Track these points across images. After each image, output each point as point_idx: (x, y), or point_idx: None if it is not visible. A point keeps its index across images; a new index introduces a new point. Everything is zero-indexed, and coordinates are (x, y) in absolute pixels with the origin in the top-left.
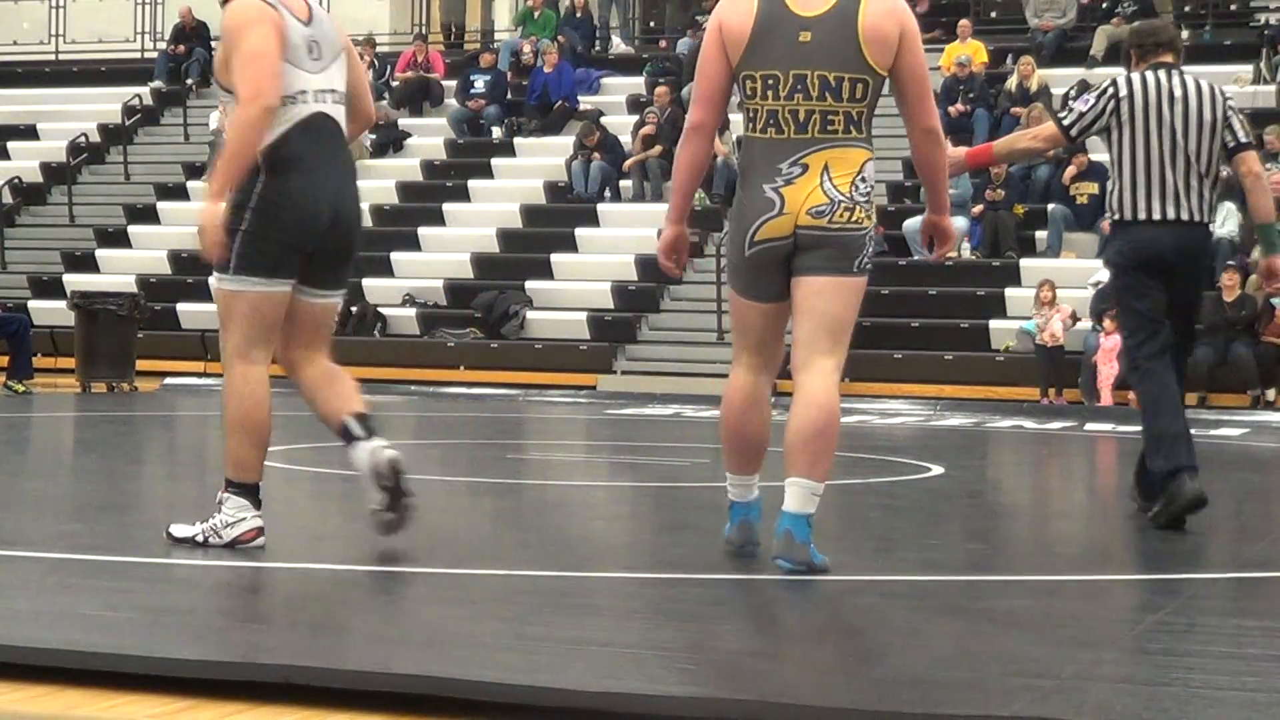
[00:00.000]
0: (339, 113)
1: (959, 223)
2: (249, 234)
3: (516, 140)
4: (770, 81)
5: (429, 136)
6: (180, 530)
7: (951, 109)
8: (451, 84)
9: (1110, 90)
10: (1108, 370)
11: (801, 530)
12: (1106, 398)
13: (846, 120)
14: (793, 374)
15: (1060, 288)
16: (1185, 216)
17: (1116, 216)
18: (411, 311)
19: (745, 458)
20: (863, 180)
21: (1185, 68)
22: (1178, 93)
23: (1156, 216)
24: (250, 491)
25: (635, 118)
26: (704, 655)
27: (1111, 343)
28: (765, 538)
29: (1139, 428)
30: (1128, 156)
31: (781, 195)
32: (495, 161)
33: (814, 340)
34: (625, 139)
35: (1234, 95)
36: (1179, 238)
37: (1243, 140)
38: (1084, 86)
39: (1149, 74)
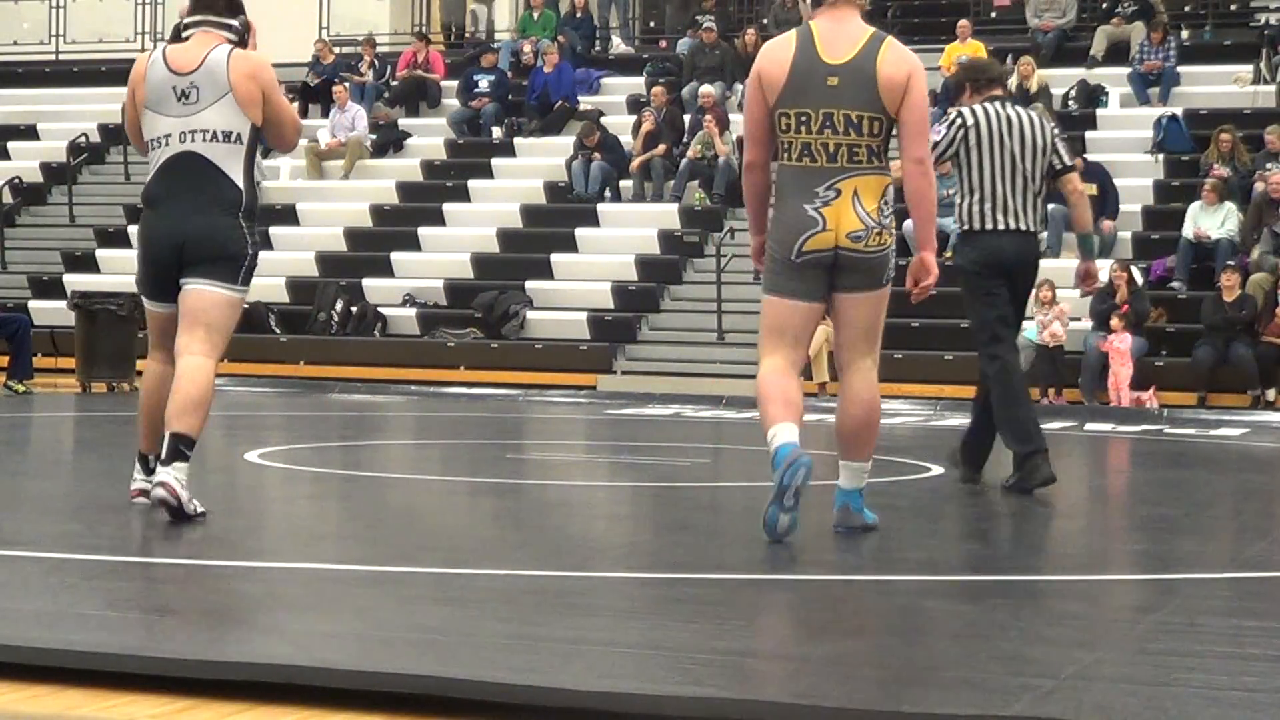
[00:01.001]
0: (210, 149)
1: None
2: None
3: (516, 140)
4: (803, 118)
5: (429, 136)
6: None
7: (951, 109)
8: (450, 84)
9: (959, 120)
10: (1125, 372)
11: (855, 501)
12: (1125, 399)
13: (868, 152)
14: (839, 373)
15: (1060, 288)
16: (1022, 227)
17: (966, 227)
18: (411, 311)
19: (785, 407)
20: (885, 204)
21: (1184, 68)
22: (1014, 121)
23: (1000, 227)
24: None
25: (635, 118)
26: (704, 655)
27: (1125, 343)
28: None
29: (1140, 427)
30: (975, 176)
31: (822, 214)
32: (495, 161)
33: (854, 345)
34: (625, 139)
35: (1234, 95)
36: (1017, 245)
37: (1068, 163)
38: (1084, 87)
39: (987, 105)
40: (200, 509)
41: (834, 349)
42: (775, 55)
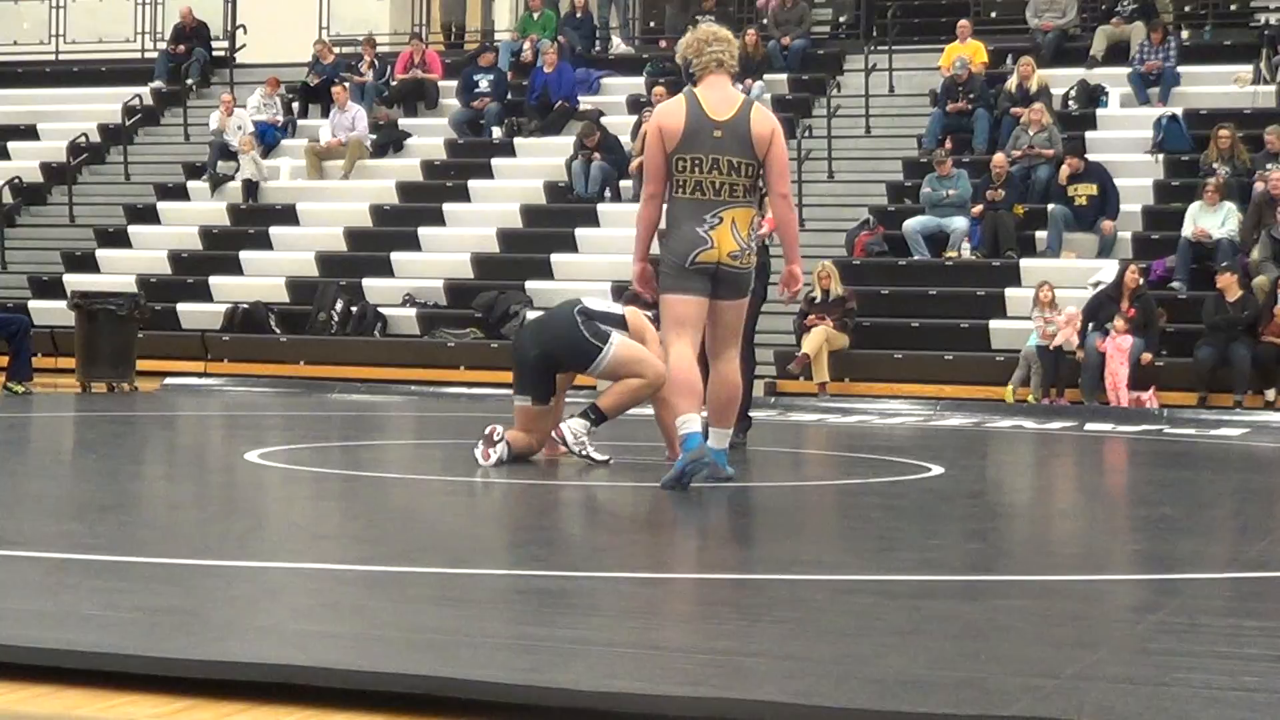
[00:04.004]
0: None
1: (959, 223)
2: None
3: (516, 140)
4: (696, 161)
5: (429, 137)
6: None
7: (950, 106)
8: (449, 84)
9: None
10: (1124, 372)
11: (721, 458)
12: (1123, 399)
13: (744, 189)
14: (710, 362)
15: (1060, 288)
16: None
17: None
18: (411, 311)
19: (697, 399)
20: (752, 231)
21: (1184, 68)
22: None
23: None
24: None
25: (635, 118)
26: (704, 655)
27: (1126, 343)
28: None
29: (1140, 427)
30: None
31: (710, 235)
32: (495, 161)
33: (724, 340)
34: (625, 139)
35: (1234, 95)
36: None
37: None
38: (1084, 87)
39: None
40: (589, 452)
41: (707, 343)
42: (672, 113)
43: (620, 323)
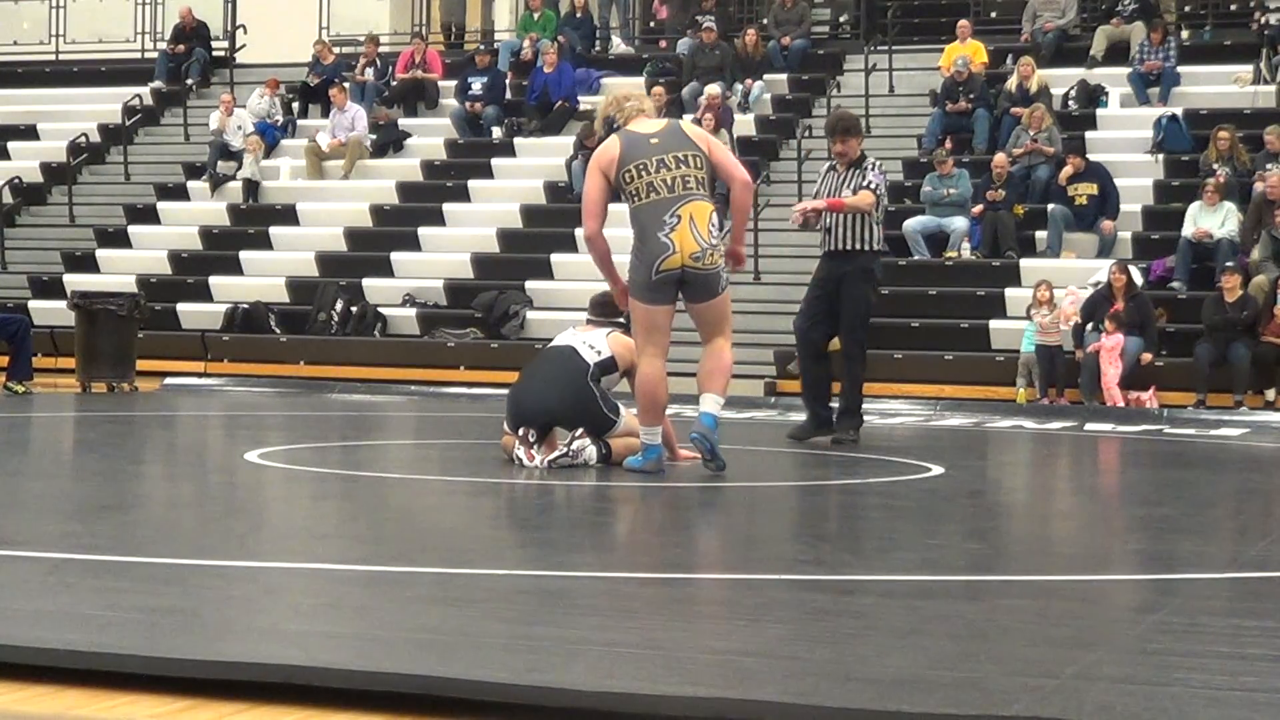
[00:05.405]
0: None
1: (959, 223)
2: None
3: (516, 140)
4: (642, 166)
5: (429, 137)
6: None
7: (950, 106)
8: (449, 84)
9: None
10: (1114, 372)
11: (712, 422)
12: (1115, 398)
13: (697, 181)
14: (703, 345)
15: (1060, 288)
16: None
17: (885, 248)
18: (411, 311)
19: (659, 415)
20: (714, 226)
21: (1184, 68)
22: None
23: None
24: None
25: None
26: (704, 655)
27: (1114, 342)
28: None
29: (1140, 427)
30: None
31: (672, 240)
32: (495, 161)
33: (709, 332)
34: None
35: (1234, 95)
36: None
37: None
38: (1084, 87)
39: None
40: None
41: (699, 334)
42: (608, 147)
43: (612, 364)
